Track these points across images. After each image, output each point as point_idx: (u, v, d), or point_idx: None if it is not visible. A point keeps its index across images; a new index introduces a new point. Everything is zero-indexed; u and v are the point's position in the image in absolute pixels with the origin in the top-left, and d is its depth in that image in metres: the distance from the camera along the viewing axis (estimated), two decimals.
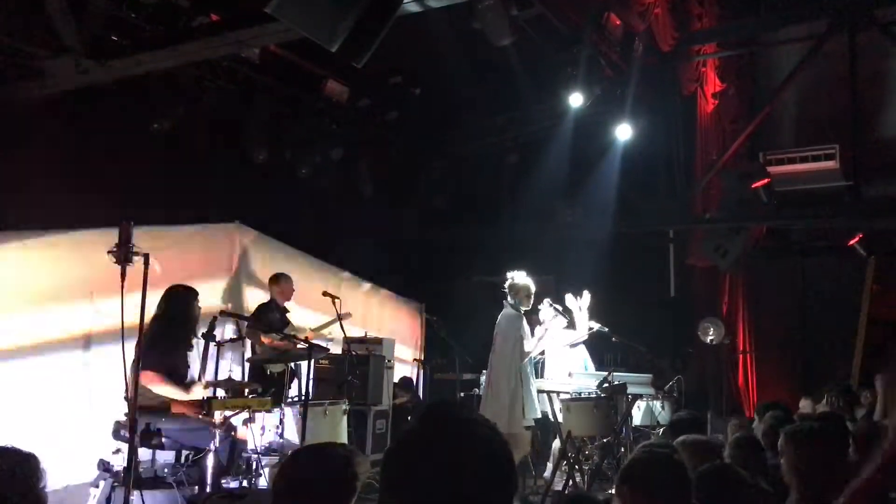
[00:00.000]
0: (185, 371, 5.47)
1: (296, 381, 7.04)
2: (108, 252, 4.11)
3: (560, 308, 7.09)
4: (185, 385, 5.38)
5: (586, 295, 7.30)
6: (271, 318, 7.03)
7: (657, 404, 7.41)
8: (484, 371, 7.80)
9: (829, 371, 9.35)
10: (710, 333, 9.57)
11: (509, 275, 6.82)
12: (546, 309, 7.11)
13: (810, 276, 10.68)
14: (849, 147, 9.28)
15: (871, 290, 9.96)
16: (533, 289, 6.76)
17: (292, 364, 6.75)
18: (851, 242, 9.57)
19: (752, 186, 8.93)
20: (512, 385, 6.42)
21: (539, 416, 6.60)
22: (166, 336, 5.26)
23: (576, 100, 8.07)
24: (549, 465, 7.31)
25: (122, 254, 4.01)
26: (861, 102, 9.08)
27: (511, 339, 6.55)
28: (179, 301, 5.44)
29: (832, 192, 9.73)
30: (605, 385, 6.57)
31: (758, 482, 3.35)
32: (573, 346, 7.46)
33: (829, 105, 10.01)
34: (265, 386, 6.35)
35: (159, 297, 5.44)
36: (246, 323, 6.79)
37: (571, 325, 7.35)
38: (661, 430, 7.06)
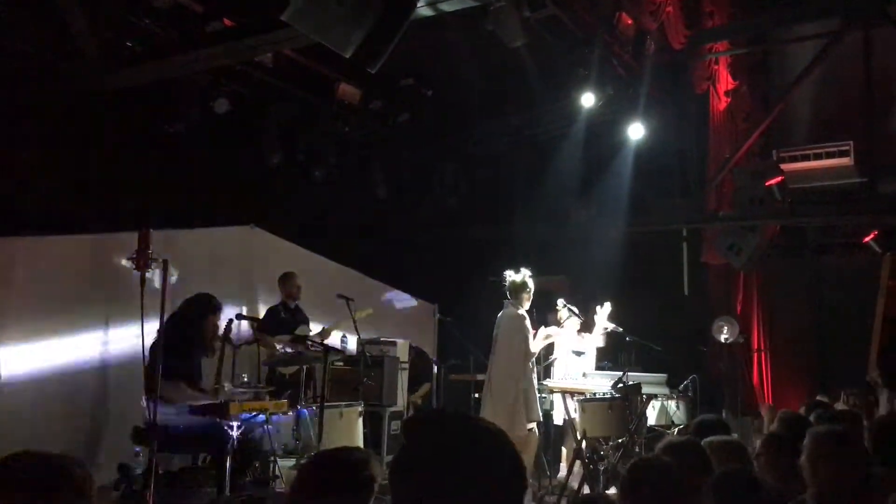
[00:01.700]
0: (198, 379, 5.52)
1: (309, 384, 7.08)
2: (128, 259, 4.15)
3: (576, 309, 7.10)
4: (201, 390, 5.44)
5: (606, 305, 7.31)
6: (279, 320, 7.06)
7: (672, 404, 7.37)
8: None
9: (845, 369, 9.31)
10: (725, 332, 9.54)
11: (506, 274, 6.80)
12: (561, 310, 7.11)
13: (825, 273, 10.62)
14: (863, 143, 9.23)
15: (886, 287, 9.91)
16: (532, 287, 6.74)
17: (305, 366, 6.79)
18: (867, 239, 9.52)
19: (766, 184, 8.88)
20: (518, 386, 6.40)
21: (540, 418, 6.60)
22: (181, 342, 5.29)
23: (588, 100, 8.06)
24: (564, 466, 7.32)
25: (142, 260, 4.05)
26: (875, 98, 9.02)
27: (516, 339, 6.52)
28: (194, 311, 5.47)
29: (847, 189, 9.68)
30: (620, 385, 6.56)
31: (785, 483, 3.37)
32: (578, 354, 7.46)
33: (842, 101, 9.95)
34: (276, 388, 6.39)
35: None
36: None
37: (587, 328, 7.36)
38: (677, 429, 7.05)
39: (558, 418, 7.30)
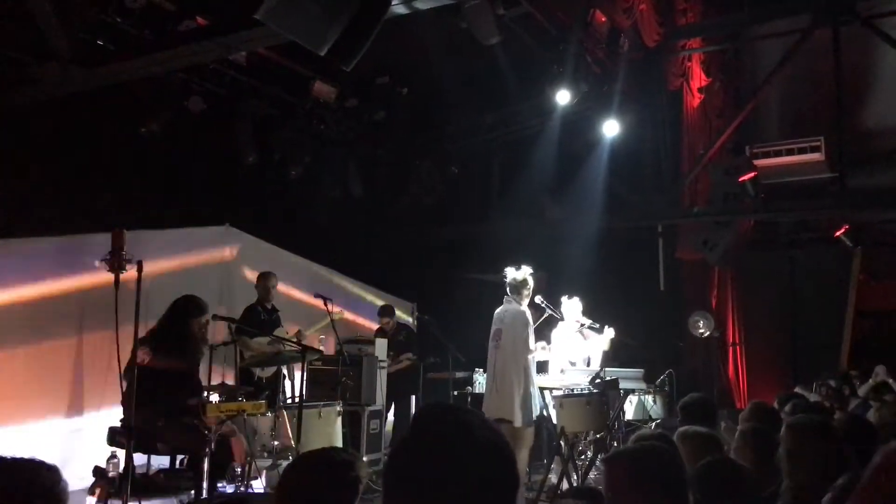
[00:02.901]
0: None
1: (287, 384, 7.05)
2: (101, 260, 4.10)
3: (552, 307, 7.14)
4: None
5: (609, 331, 7.42)
6: (256, 320, 7.01)
7: (649, 399, 7.45)
8: (478, 369, 7.83)
9: (819, 361, 9.45)
10: (701, 327, 9.64)
11: (507, 271, 6.81)
12: (568, 301, 7.24)
13: (798, 267, 10.77)
14: (833, 139, 9.37)
15: (857, 281, 10.08)
16: (532, 283, 6.78)
17: (284, 367, 6.76)
18: (838, 234, 9.67)
19: (739, 180, 8.99)
20: (521, 380, 6.43)
21: (540, 412, 6.63)
22: (183, 358, 5.23)
23: (563, 97, 8.10)
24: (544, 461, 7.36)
25: (115, 262, 4.01)
26: (844, 94, 9.17)
27: (520, 335, 6.54)
28: (180, 314, 5.40)
29: (818, 184, 9.82)
30: (598, 381, 6.60)
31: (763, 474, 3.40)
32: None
33: (813, 98, 10.10)
34: (254, 389, 6.34)
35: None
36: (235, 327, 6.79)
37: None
38: (653, 423, 7.11)
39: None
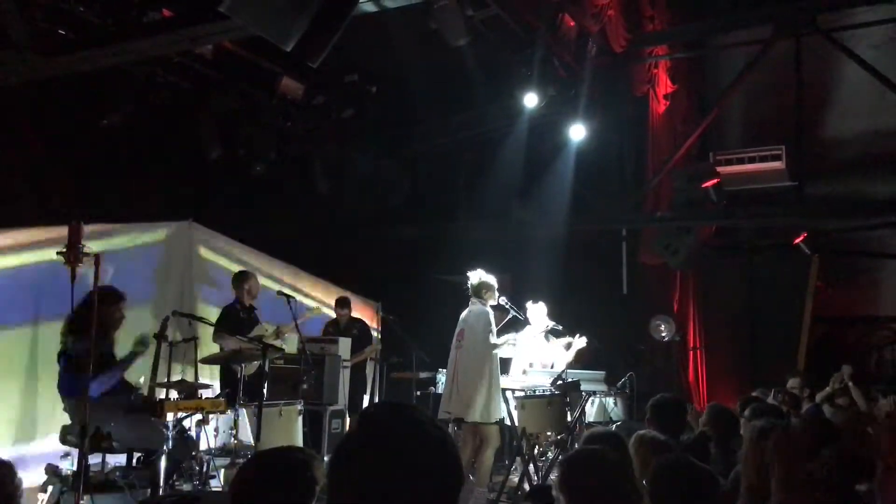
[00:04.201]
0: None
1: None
2: (58, 253, 4.02)
3: (516, 308, 7.17)
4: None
5: (582, 340, 7.51)
6: (236, 319, 6.94)
7: (610, 401, 7.52)
8: (441, 369, 7.83)
9: (777, 365, 9.62)
10: (662, 330, 9.75)
11: (470, 274, 6.84)
12: (533, 306, 7.32)
13: (758, 273, 10.96)
14: (794, 148, 9.54)
15: (814, 287, 10.29)
16: (493, 282, 6.82)
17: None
18: (797, 241, 9.85)
19: (702, 186, 9.11)
20: (485, 380, 6.44)
21: (502, 415, 6.65)
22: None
23: (530, 100, 8.15)
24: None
25: (73, 255, 3.92)
26: (805, 104, 9.35)
27: (481, 334, 6.56)
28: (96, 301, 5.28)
29: (778, 192, 10.00)
30: (559, 382, 6.64)
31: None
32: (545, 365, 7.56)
33: (775, 107, 10.29)
34: (235, 388, 6.26)
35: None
36: (199, 323, 6.70)
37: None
38: (614, 425, 7.17)
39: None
